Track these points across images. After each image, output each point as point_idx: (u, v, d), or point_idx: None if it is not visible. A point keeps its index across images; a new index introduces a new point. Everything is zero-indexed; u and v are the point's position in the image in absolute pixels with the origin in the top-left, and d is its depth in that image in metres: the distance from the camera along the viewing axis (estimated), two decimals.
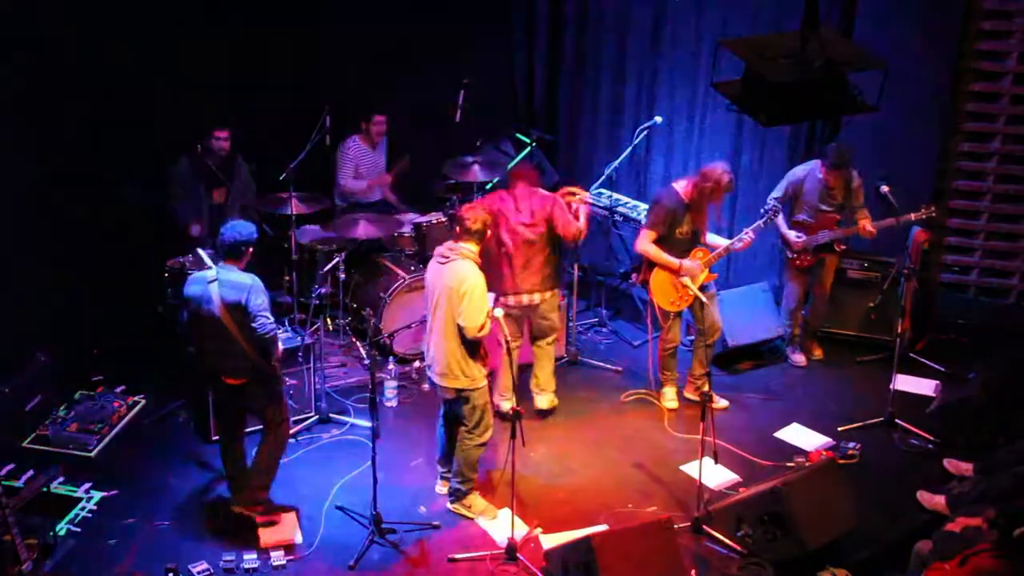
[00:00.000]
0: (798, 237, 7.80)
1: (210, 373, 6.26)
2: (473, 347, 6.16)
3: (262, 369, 6.13)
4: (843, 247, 7.93)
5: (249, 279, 6.06)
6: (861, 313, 8.28)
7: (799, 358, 8.25)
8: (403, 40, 9.21)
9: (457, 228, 6.32)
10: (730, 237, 7.68)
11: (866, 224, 7.64)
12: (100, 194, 7.85)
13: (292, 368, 7.13)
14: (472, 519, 6.46)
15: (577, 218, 7.12)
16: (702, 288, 7.19)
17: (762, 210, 7.69)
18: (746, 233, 7.29)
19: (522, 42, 9.59)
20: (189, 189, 7.71)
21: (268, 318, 6.04)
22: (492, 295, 6.38)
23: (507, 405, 7.18)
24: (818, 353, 8.28)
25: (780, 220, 7.79)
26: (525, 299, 7.10)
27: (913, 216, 7.54)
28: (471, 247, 6.20)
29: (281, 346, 6.24)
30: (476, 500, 6.52)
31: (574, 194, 7.23)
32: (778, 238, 7.99)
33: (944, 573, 5.20)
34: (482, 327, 6.04)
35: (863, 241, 8.00)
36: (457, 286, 6.06)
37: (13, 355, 7.25)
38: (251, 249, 6.18)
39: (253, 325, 6.00)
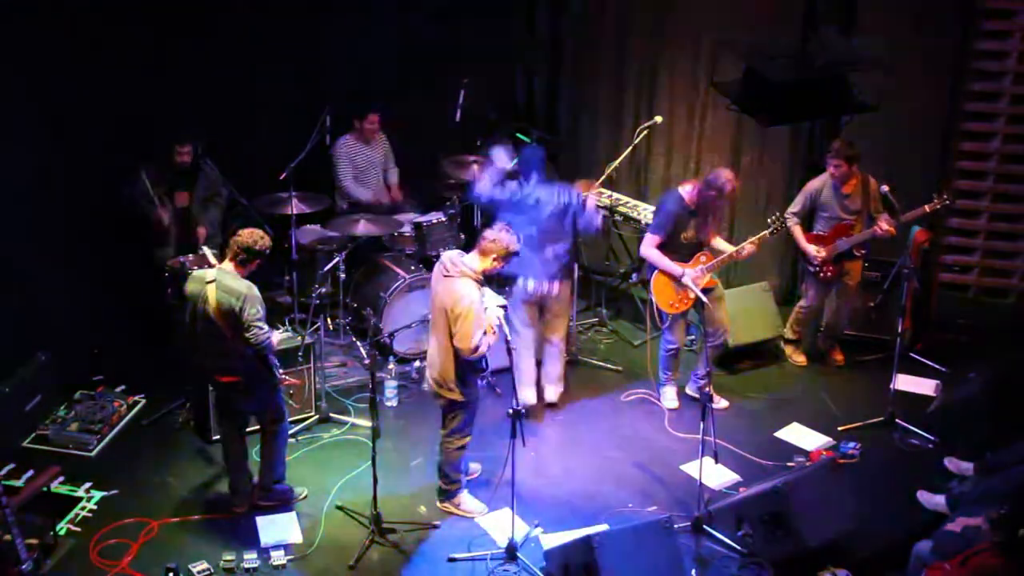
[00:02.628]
0: (818, 252, 7.77)
1: (205, 371, 6.28)
2: (472, 363, 6.14)
3: (257, 369, 6.15)
4: (863, 251, 7.87)
5: (245, 287, 6.02)
6: (861, 313, 8.27)
7: (799, 358, 8.24)
8: (404, 39, 9.21)
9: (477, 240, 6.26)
10: (729, 238, 7.67)
11: (882, 223, 7.57)
12: (101, 193, 7.84)
13: (291, 368, 7.11)
14: (464, 517, 6.47)
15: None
16: (706, 291, 7.18)
17: (769, 220, 7.61)
18: (750, 243, 7.25)
19: (523, 41, 9.57)
20: (151, 196, 7.64)
21: (261, 328, 6.01)
22: (494, 297, 6.37)
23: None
24: (839, 359, 8.18)
25: (799, 233, 7.74)
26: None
27: (928, 208, 7.47)
28: (476, 264, 6.11)
29: (275, 343, 6.24)
30: (465, 498, 6.53)
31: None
32: (795, 250, 7.91)
33: (944, 573, 5.20)
34: (476, 348, 5.99)
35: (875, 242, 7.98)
36: (452, 306, 6.00)
37: (13, 355, 7.25)
38: (259, 261, 6.15)
39: (247, 335, 6.00)
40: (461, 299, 5.98)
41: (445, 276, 6.10)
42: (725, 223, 7.33)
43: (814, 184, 7.78)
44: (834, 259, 7.78)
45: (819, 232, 7.78)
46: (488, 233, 6.15)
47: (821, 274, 7.82)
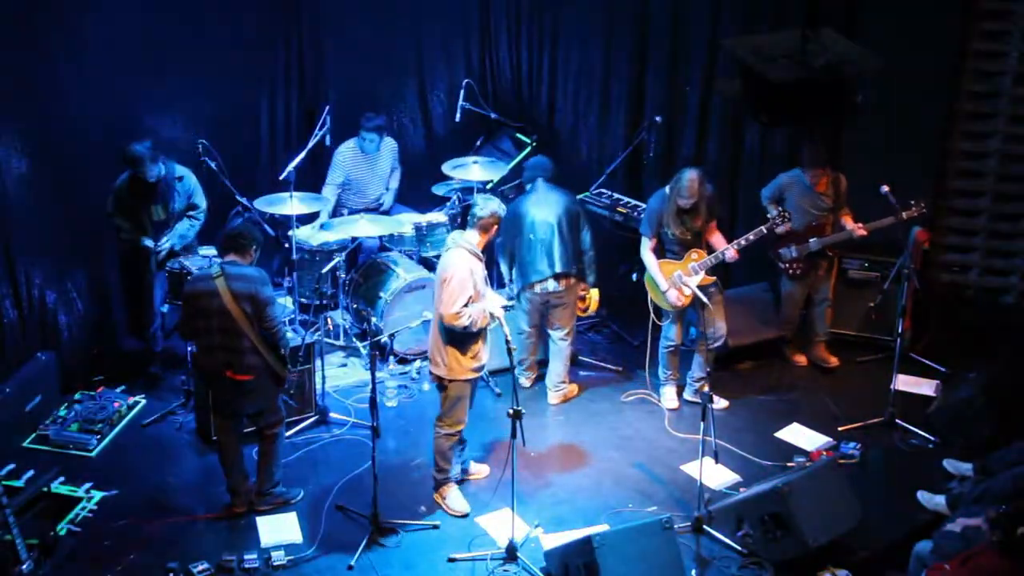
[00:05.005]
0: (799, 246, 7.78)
1: (215, 369, 6.23)
2: (460, 339, 6.16)
3: (270, 364, 6.16)
4: (835, 252, 7.90)
5: (257, 271, 6.14)
6: (861, 313, 8.26)
7: (799, 358, 8.22)
8: (404, 39, 9.20)
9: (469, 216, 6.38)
10: (729, 238, 7.65)
11: (856, 228, 7.59)
12: (103, 193, 7.84)
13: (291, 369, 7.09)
14: (447, 511, 6.50)
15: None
16: (705, 290, 7.17)
17: (769, 215, 7.60)
18: (728, 248, 7.22)
19: (523, 42, 9.56)
20: (128, 206, 7.41)
21: (276, 311, 6.14)
22: (495, 296, 6.37)
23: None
24: (834, 361, 8.10)
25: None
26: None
27: (904, 215, 7.46)
28: (473, 236, 6.22)
29: (288, 340, 6.29)
30: (451, 493, 6.54)
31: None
32: (771, 247, 7.89)
33: (944, 573, 5.20)
34: (457, 316, 6.02)
35: (860, 241, 7.98)
36: (442, 273, 6.15)
37: (13, 355, 7.24)
38: (255, 247, 6.21)
39: (264, 316, 6.05)
40: (449, 266, 6.11)
41: (446, 251, 6.26)
42: (703, 219, 7.28)
43: (783, 177, 7.80)
44: (805, 257, 7.78)
45: (794, 229, 7.74)
46: (479, 211, 6.22)
47: (790, 271, 7.84)
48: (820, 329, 8.11)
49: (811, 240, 7.74)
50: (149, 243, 7.45)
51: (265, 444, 6.42)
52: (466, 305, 6.05)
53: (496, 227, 6.33)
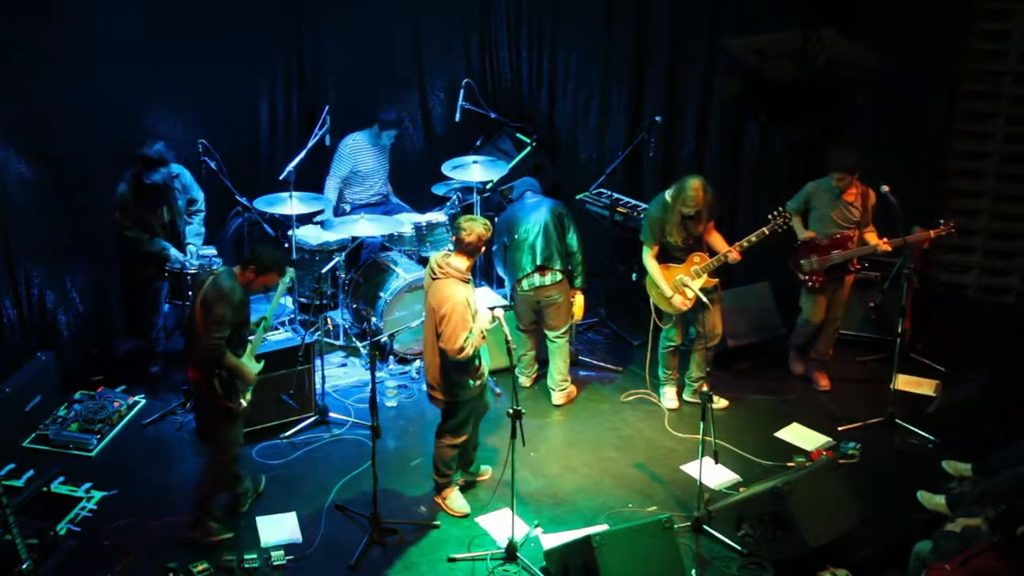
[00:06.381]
0: (808, 234, 7.63)
1: (183, 361, 6.21)
2: (462, 365, 6.13)
3: (201, 380, 5.95)
4: (859, 267, 7.70)
5: (228, 287, 5.89)
6: (861, 313, 8.26)
7: (798, 367, 8.12)
8: (404, 39, 9.20)
9: (453, 237, 6.31)
10: (729, 239, 7.66)
11: (880, 244, 7.40)
12: (102, 193, 7.84)
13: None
14: (448, 513, 6.51)
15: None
16: (707, 293, 7.16)
17: (770, 216, 7.53)
18: (731, 250, 7.17)
19: (524, 42, 9.56)
20: (135, 214, 7.35)
21: (218, 332, 5.82)
22: (494, 296, 6.37)
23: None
24: (825, 384, 7.91)
25: (798, 224, 7.57)
26: None
27: (932, 233, 7.34)
28: (460, 263, 6.13)
29: (225, 364, 5.97)
30: (452, 494, 6.56)
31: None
32: (792, 258, 7.73)
33: (944, 573, 5.20)
34: (461, 350, 5.98)
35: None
36: (437, 307, 6.04)
37: (13, 355, 7.24)
38: (253, 268, 5.98)
39: (207, 326, 5.85)
40: (446, 300, 6.02)
41: (433, 279, 6.15)
42: (705, 223, 7.24)
43: (810, 185, 7.69)
44: (826, 270, 7.61)
45: (817, 241, 7.63)
46: (465, 236, 6.13)
47: (809, 283, 7.67)
48: (822, 349, 7.93)
49: (833, 252, 7.58)
50: (176, 253, 7.41)
51: (202, 467, 6.21)
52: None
53: (483, 248, 6.27)
